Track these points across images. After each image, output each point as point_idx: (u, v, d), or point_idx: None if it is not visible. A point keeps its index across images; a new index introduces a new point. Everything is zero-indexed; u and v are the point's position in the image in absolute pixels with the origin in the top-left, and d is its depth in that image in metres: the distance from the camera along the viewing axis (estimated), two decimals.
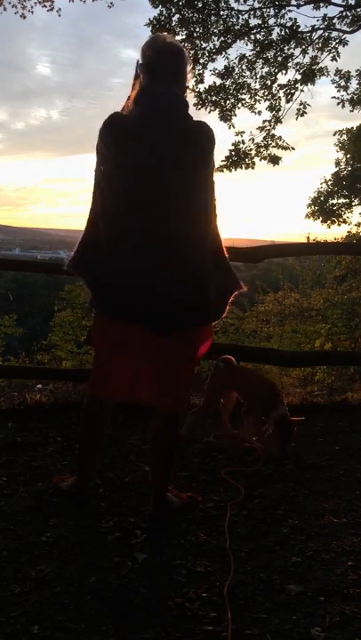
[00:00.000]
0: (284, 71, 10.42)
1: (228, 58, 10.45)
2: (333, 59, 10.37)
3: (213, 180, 2.08)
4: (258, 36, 10.24)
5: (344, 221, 17.08)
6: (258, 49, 10.27)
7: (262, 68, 10.52)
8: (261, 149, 10.94)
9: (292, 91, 10.42)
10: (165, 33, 2.24)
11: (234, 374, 3.11)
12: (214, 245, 2.11)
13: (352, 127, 16.84)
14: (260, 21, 10.09)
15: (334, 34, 10.26)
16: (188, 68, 2.09)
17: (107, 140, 1.98)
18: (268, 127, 10.83)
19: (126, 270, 1.97)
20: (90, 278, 2.09)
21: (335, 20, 10.04)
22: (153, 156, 1.94)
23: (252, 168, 11.18)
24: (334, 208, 17.25)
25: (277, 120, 10.79)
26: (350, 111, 11.79)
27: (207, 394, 3.08)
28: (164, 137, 1.94)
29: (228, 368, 3.07)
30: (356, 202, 17.06)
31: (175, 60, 2.04)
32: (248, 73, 10.59)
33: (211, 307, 2.11)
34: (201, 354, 2.23)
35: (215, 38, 10.19)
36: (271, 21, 10.07)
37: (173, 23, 9.94)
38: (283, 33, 10.06)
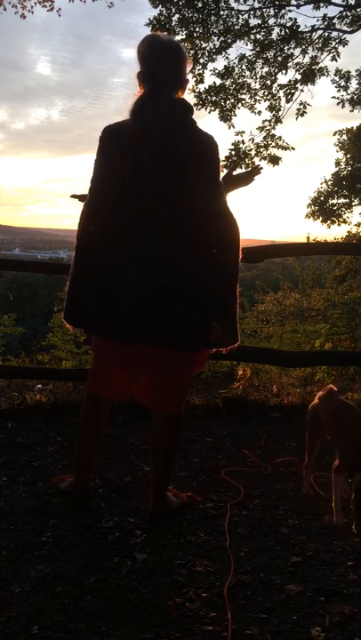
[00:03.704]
0: (284, 71, 10.45)
1: (228, 58, 10.49)
2: (333, 59, 10.40)
3: (222, 194, 1.98)
4: (258, 36, 10.27)
5: (344, 221, 17.10)
6: (258, 49, 10.29)
7: (262, 67, 10.56)
8: (261, 149, 10.95)
9: (292, 91, 10.44)
10: (160, 32, 2.17)
11: (324, 409, 2.39)
12: (224, 267, 1.99)
13: (352, 127, 16.87)
14: (260, 21, 10.12)
15: (334, 34, 10.30)
16: (188, 66, 2.05)
17: (106, 149, 1.96)
18: (268, 127, 10.85)
19: (120, 290, 1.94)
20: (87, 320, 2.07)
21: (335, 20, 10.08)
22: (152, 168, 1.89)
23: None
24: (334, 208, 17.26)
25: (277, 120, 10.80)
26: (350, 111, 11.85)
27: (306, 435, 2.47)
28: (165, 147, 1.90)
29: (320, 400, 2.44)
30: (356, 202, 17.06)
31: (176, 62, 1.98)
32: (248, 73, 10.64)
33: (207, 332, 2.03)
34: (199, 370, 2.24)
35: (215, 38, 10.22)
36: (271, 21, 10.11)
37: (173, 23, 9.96)
38: (283, 33, 10.08)
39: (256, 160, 10.98)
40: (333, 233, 17.55)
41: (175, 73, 1.98)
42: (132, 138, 1.91)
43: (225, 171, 2.18)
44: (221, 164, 2.04)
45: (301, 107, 10.33)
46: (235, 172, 2.26)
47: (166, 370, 2.04)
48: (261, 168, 2.27)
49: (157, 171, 1.90)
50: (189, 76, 2.07)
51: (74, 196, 2.20)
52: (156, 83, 1.95)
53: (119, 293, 1.95)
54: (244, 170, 2.28)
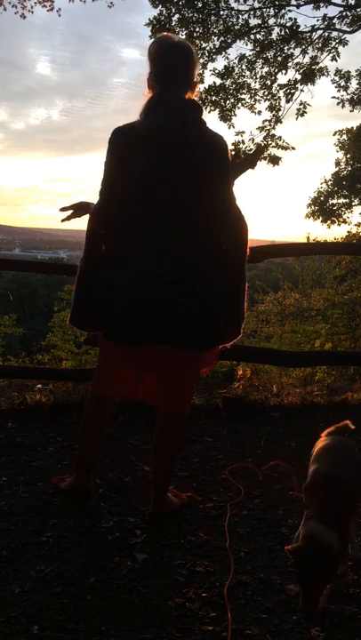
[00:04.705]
0: (284, 71, 10.44)
1: (228, 58, 10.49)
2: (333, 59, 10.39)
3: (231, 194, 2.01)
4: (258, 36, 10.27)
5: (344, 221, 17.11)
6: (258, 49, 10.29)
7: (262, 67, 10.56)
8: None
9: (292, 91, 10.44)
10: (171, 33, 2.19)
11: (317, 446, 1.97)
12: (233, 265, 2.02)
13: (352, 127, 16.88)
14: (260, 21, 10.12)
15: (334, 34, 10.29)
16: (198, 66, 2.05)
17: (116, 150, 1.96)
18: (268, 127, 10.84)
19: (127, 290, 1.95)
20: (96, 322, 2.08)
21: (335, 20, 10.08)
22: (164, 167, 1.90)
23: (252, 168, 11.17)
24: (334, 208, 17.26)
25: (277, 120, 10.79)
26: (350, 111, 11.83)
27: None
28: (177, 147, 1.90)
29: (326, 436, 1.99)
30: (356, 202, 17.07)
31: (186, 63, 1.99)
32: (248, 73, 10.63)
33: (217, 331, 2.04)
34: (204, 372, 2.23)
35: (215, 38, 10.22)
36: (271, 21, 10.11)
37: (173, 23, 9.96)
38: (283, 33, 10.07)
39: (264, 149, 10.96)
40: (333, 233, 17.56)
41: (185, 73, 1.99)
42: (143, 138, 1.91)
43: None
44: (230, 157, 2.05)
45: (301, 107, 10.34)
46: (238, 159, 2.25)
47: (173, 369, 2.04)
48: (264, 147, 2.28)
49: (169, 170, 1.90)
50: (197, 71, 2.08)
51: (64, 209, 2.18)
52: (166, 83, 1.96)
53: (126, 293, 1.95)
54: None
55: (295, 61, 10.39)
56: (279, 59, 10.36)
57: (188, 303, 1.95)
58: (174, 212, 1.92)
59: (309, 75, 10.22)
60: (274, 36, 10.23)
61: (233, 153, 2.05)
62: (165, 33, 2.37)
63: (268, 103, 10.80)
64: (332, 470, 1.74)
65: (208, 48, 10.30)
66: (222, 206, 1.98)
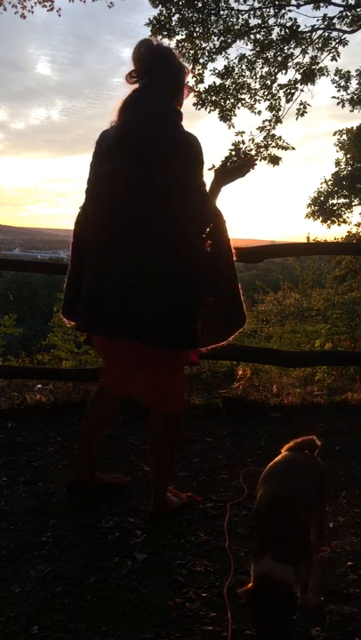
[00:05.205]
0: (284, 71, 10.45)
1: (228, 58, 10.50)
2: (333, 59, 10.39)
3: (206, 194, 2.00)
4: (258, 36, 10.27)
5: (344, 221, 17.12)
6: (258, 49, 10.29)
7: (262, 67, 10.56)
8: (261, 149, 10.94)
9: (292, 91, 10.44)
10: (154, 37, 2.22)
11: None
12: (217, 264, 2.01)
13: (352, 127, 16.90)
14: (260, 21, 10.12)
15: (334, 34, 10.30)
16: (186, 74, 2.05)
17: (96, 150, 2.02)
18: (268, 127, 10.84)
19: (107, 285, 1.94)
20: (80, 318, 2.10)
21: (335, 20, 10.08)
22: (131, 167, 1.89)
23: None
24: (334, 208, 17.27)
25: (277, 120, 10.80)
26: (350, 111, 11.85)
27: None
28: (146, 146, 1.89)
29: (285, 451, 1.85)
30: (356, 202, 17.08)
31: (163, 65, 2.00)
32: (248, 73, 10.64)
33: (194, 333, 2.00)
34: (194, 360, 2.21)
35: (215, 38, 10.23)
36: (271, 21, 10.11)
37: (173, 23, 9.96)
38: (283, 33, 10.08)
39: (256, 160, 10.98)
40: (333, 233, 17.57)
41: (162, 75, 1.99)
42: (113, 137, 1.95)
43: (216, 166, 2.17)
44: (220, 163, 2.05)
45: (301, 107, 10.34)
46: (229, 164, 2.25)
47: (159, 368, 2.03)
48: (256, 158, 2.27)
49: (136, 169, 1.89)
50: (186, 76, 2.08)
51: None
52: (142, 84, 1.99)
53: (103, 293, 1.95)
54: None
55: (295, 61, 10.41)
56: (279, 59, 10.36)
57: (169, 304, 1.92)
58: (144, 213, 1.89)
59: (309, 75, 10.22)
60: (274, 36, 10.25)
61: (222, 160, 2.06)
62: (151, 36, 2.39)
63: (268, 103, 10.83)
64: (281, 495, 1.58)
65: (208, 48, 10.32)
66: (194, 207, 1.94)
